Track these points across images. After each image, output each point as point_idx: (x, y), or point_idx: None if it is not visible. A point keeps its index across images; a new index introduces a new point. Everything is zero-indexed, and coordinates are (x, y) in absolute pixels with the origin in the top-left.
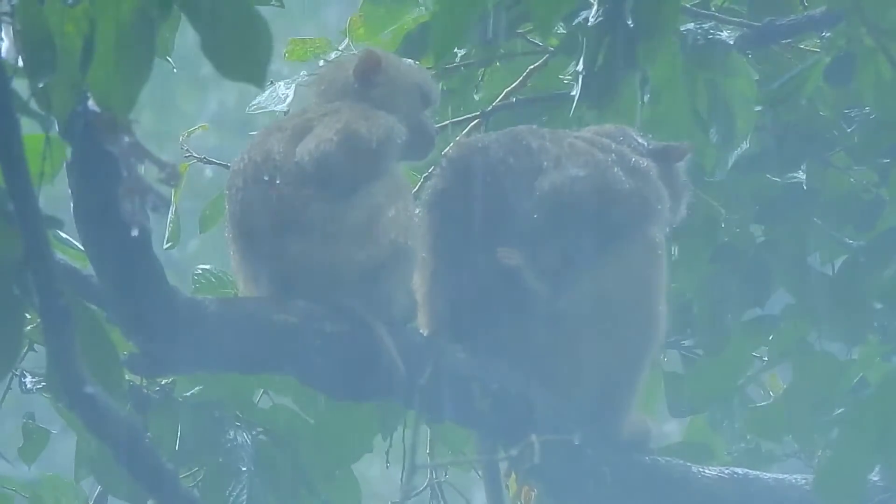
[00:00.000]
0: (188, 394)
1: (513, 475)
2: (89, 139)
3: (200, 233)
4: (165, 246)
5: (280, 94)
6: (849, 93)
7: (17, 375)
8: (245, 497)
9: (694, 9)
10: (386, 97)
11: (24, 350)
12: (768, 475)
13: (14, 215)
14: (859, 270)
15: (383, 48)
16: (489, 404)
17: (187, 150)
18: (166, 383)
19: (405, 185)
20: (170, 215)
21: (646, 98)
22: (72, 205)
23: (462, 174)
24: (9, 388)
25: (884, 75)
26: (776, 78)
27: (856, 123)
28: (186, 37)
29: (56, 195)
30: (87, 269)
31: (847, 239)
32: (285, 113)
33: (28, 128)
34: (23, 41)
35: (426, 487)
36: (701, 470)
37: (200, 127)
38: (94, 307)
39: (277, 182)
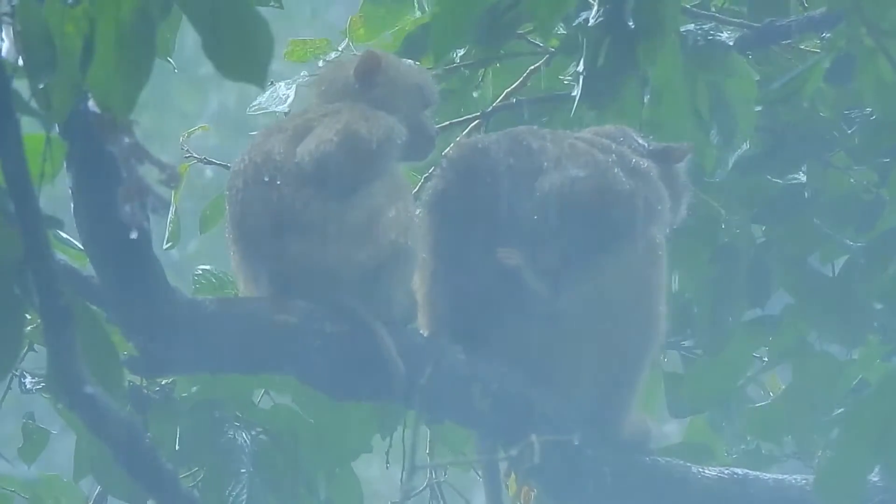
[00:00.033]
0: (188, 394)
1: (512, 475)
2: (89, 139)
3: (200, 233)
4: (165, 246)
5: (280, 95)
6: (849, 93)
7: (17, 375)
8: (245, 497)
9: (694, 9)
10: (386, 98)
11: (24, 350)
12: (768, 475)
13: (14, 215)
14: (859, 271)
15: (383, 49)
16: (489, 404)
17: (187, 150)
18: (166, 383)
19: (405, 185)
20: (170, 215)
21: (646, 99)
22: (72, 205)
23: (462, 175)
24: (9, 388)
25: (884, 76)
26: (776, 78)
27: (856, 124)
28: (187, 37)
29: (56, 195)
30: (87, 269)
31: (847, 239)
32: (286, 113)
33: (28, 128)
34: (23, 41)
35: (426, 487)
36: (701, 470)
37: (201, 127)
38: (94, 307)
39: (278, 182)
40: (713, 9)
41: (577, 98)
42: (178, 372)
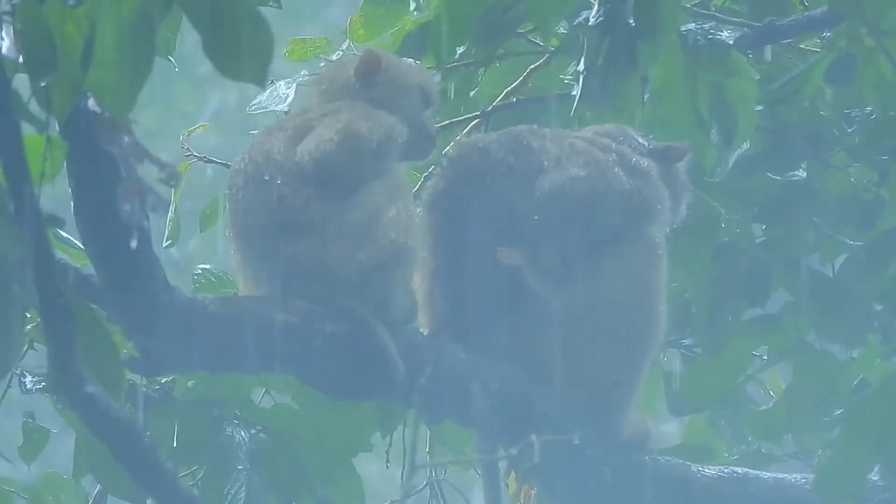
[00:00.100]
0: (187, 393)
1: (512, 475)
2: (89, 139)
3: (200, 232)
4: (165, 245)
5: (281, 94)
6: (849, 93)
7: (17, 375)
8: (244, 496)
9: (694, 9)
10: (386, 97)
11: (24, 350)
12: (768, 475)
13: (14, 215)
14: (859, 270)
15: (384, 48)
16: (489, 404)
17: (187, 149)
18: (166, 383)
19: (405, 185)
20: (169, 214)
21: (646, 98)
22: (72, 205)
23: (462, 174)
24: (9, 387)
25: (884, 75)
26: (776, 78)
27: (856, 123)
28: (187, 37)
29: (56, 195)
30: (87, 268)
31: (847, 239)
32: (286, 113)
33: (28, 128)
34: (23, 41)
35: (426, 486)
36: (701, 469)
37: (201, 126)
38: (94, 306)
39: (278, 182)
40: (713, 8)
41: (578, 97)
42: (177, 371)
